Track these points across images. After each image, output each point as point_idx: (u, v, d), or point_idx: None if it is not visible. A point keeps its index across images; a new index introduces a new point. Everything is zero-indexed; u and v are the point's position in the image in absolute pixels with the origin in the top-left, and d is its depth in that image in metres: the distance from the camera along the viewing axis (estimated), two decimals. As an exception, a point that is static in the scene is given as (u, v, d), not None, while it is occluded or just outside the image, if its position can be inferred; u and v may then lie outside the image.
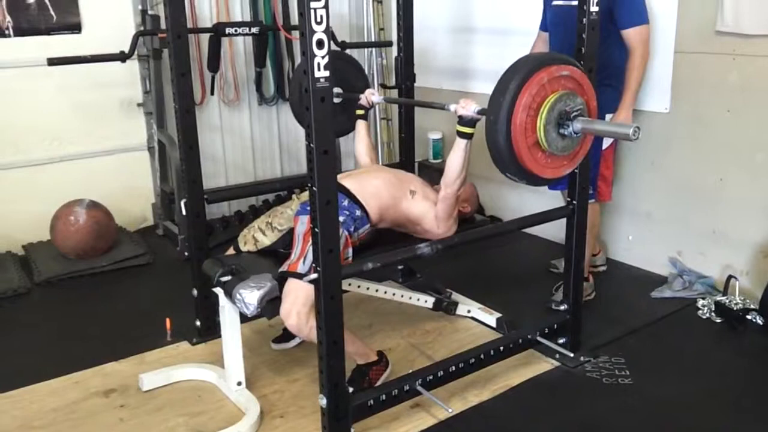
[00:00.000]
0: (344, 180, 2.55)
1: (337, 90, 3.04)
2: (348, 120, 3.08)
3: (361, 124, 2.98)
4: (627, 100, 3.05)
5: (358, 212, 2.47)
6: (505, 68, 2.10)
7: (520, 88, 2.03)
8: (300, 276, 2.24)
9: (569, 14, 3.03)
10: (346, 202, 2.46)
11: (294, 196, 2.73)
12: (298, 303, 2.25)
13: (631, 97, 3.05)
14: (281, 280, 2.33)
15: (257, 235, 2.59)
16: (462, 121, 2.35)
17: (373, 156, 2.96)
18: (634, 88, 3.04)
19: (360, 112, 2.97)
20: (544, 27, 3.36)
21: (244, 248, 2.60)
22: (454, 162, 2.43)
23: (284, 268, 2.33)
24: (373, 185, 2.57)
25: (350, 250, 2.38)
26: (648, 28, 3.04)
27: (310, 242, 2.22)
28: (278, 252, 2.53)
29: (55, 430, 2.41)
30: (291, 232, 2.48)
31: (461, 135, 2.37)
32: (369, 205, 2.51)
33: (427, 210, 2.58)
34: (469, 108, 2.32)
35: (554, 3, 3.18)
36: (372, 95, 2.92)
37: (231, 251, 2.66)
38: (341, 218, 2.38)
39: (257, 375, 2.69)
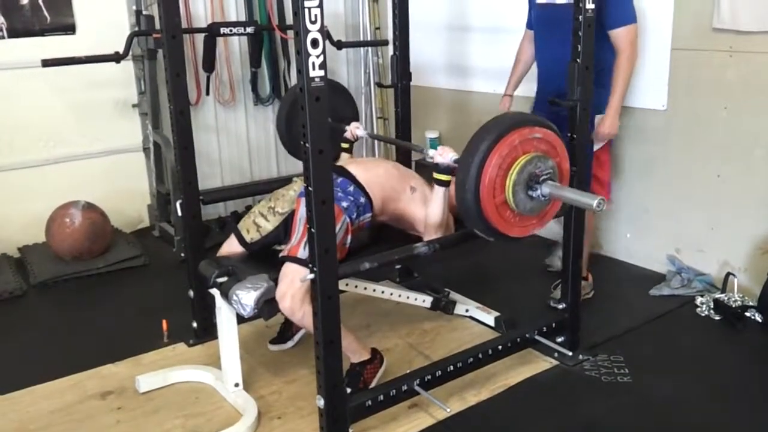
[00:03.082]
0: (350, 166, 2.55)
1: None
2: (332, 149, 3.07)
3: (344, 156, 2.98)
4: (614, 104, 2.97)
5: (362, 199, 2.46)
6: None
7: (490, 149, 2.06)
8: (300, 261, 2.23)
9: (555, 13, 3.02)
10: (351, 188, 2.45)
11: (295, 178, 2.69)
12: (293, 286, 2.25)
13: (618, 101, 2.97)
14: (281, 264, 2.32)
15: (259, 221, 2.56)
16: (439, 168, 2.38)
17: None
18: (621, 91, 2.96)
19: (345, 145, 2.98)
20: (530, 25, 3.31)
21: (247, 236, 2.56)
22: (435, 212, 2.44)
23: (285, 252, 2.33)
24: (377, 174, 2.57)
25: (349, 238, 2.38)
26: (636, 28, 2.97)
27: None
28: (276, 251, 2.52)
29: (51, 433, 2.40)
30: (292, 215, 2.47)
31: (438, 182, 2.40)
32: (373, 193, 2.50)
33: (424, 208, 2.57)
34: (446, 156, 2.34)
35: (539, 1, 3.12)
36: (357, 129, 2.93)
37: (231, 240, 2.59)
38: (345, 204, 2.38)
39: (255, 376, 2.67)
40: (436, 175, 2.40)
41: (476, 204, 2.09)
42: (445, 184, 2.39)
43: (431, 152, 2.40)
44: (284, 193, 2.59)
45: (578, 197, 2.15)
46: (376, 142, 5.07)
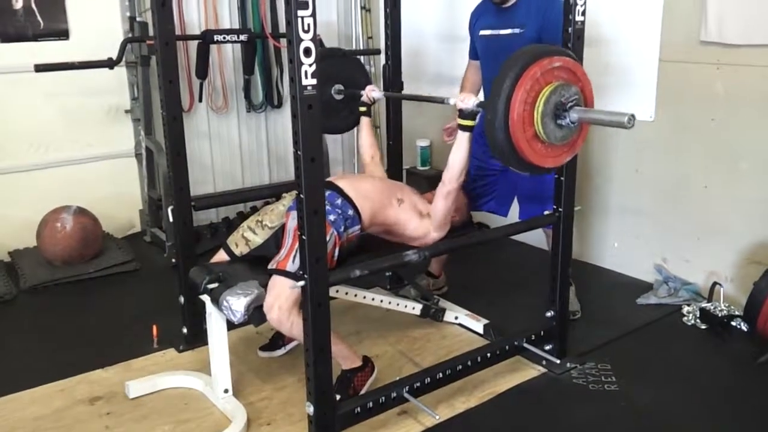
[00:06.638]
0: (338, 181, 2.58)
1: (338, 87, 3.12)
2: (350, 115, 3.16)
3: (364, 121, 3.06)
4: None
5: (350, 212, 2.48)
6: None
7: (513, 85, 2.09)
8: (288, 274, 2.24)
9: (500, 43, 3.04)
10: (339, 201, 2.48)
11: (284, 194, 2.72)
12: (281, 298, 2.26)
13: None
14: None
15: (247, 234, 2.57)
16: (463, 114, 2.43)
17: (375, 152, 3.03)
18: None
19: (363, 108, 3.05)
20: (474, 56, 3.28)
21: (236, 250, 2.58)
22: (458, 156, 2.50)
23: (273, 265, 2.34)
24: (364, 187, 2.60)
25: (338, 250, 2.39)
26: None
27: None
28: (268, 258, 2.53)
29: (39, 438, 2.40)
30: (281, 229, 2.48)
31: (463, 128, 2.45)
32: (361, 206, 2.53)
33: (415, 218, 2.62)
34: (468, 102, 2.40)
35: (481, 33, 3.12)
36: (372, 91, 3.00)
37: (221, 254, 2.62)
38: (332, 217, 2.40)
39: (244, 382, 2.68)
40: (460, 121, 2.45)
41: (508, 141, 2.12)
42: (469, 129, 2.45)
43: (452, 100, 2.46)
44: (273, 208, 2.61)
45: (607, 117, 2.16)
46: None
